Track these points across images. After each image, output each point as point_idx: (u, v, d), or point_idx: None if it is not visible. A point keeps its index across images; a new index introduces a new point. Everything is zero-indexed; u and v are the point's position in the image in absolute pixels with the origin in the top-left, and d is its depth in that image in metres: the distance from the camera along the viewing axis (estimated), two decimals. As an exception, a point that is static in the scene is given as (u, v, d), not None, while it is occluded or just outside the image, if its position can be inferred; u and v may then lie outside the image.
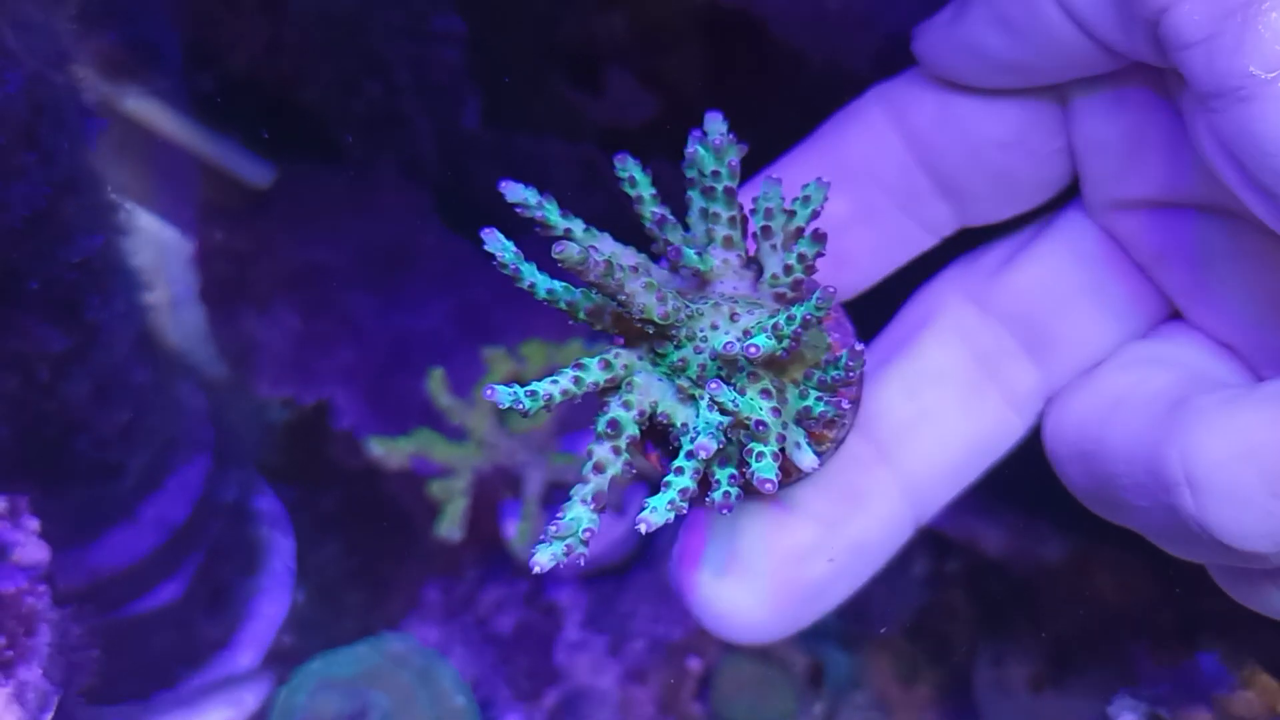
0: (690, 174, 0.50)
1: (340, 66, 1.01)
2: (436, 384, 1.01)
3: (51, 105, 0.70)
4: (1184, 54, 0.41)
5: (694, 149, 0.49)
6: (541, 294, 0.47)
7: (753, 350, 0.44)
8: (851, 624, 1.03)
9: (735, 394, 0.45)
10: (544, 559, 0.44)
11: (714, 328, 0.47)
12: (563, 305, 0.48)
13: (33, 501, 0.69)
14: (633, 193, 0.51)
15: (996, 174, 0.54)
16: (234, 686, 0.96)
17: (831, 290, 0.44)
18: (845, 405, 0.47)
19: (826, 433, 0.49)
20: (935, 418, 0.55)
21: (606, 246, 0.49)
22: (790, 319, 0.44)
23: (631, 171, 0.50)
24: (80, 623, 0.69)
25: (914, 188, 0.55)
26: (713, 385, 0.45)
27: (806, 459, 0.46)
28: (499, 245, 0.46)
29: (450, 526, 1.00)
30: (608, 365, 0.47)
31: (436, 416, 1.02)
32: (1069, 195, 0.56)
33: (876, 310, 0.59)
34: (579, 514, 0.45)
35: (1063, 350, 0.55)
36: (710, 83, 0.86)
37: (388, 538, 1.08)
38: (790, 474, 0.48)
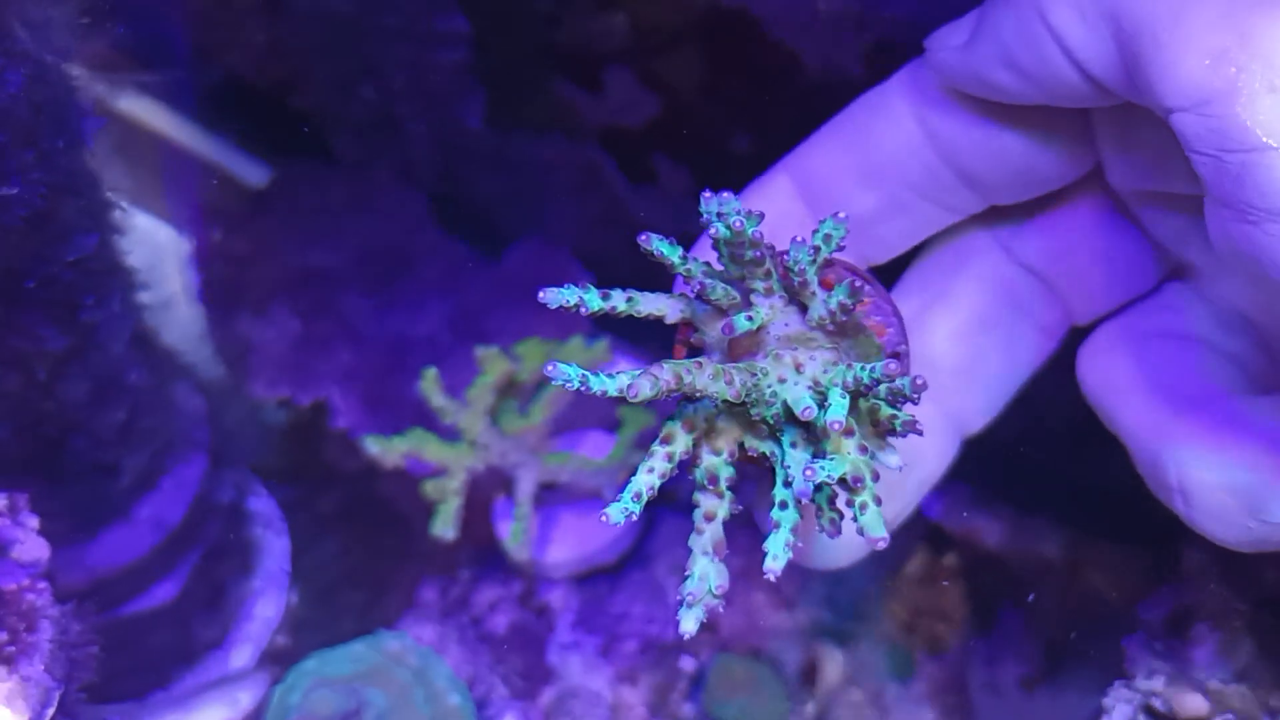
0: (713, 239, 0.50)
1: (339, 68, 1.01)
2: (430, 384, 1.01)
3: (50, 105, 0.70)
4: (1194, 155, 0.42)
5: (716, 231, 0.48)
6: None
7: (836, 425, 0.45)
8: (847, 621, 1.03)
9: (827, 466, 0.46)
10: (690, 626, 0.46)
11: (781, 381, 0.48)
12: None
13: (32, 499, 0.69)
14: (666, 262, 0.50)
15: (1020, 169, 0.55)
16: (229, 686, 0.96)
17: (894, 367, 0.45)
18: (903, 403, 0.48)
19: (891, 424, 0.49)
20: (980, 361, 0.59)
21: (648, 303, 0.50)
22: (857, 380, 0.46)
23: (658, 247, 0.50)
24: (80, 620, 0.69)
25: (939, 180, 0.56)
26: (803, 485, 0.46)
27: (892, 460, 0.48)
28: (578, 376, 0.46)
29: (444, 526, 1.00)
30: (691, 426, 0.49)
31: (431, 417, 1.02)
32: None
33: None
34: (705, 569, 0.46)
35: (1084, 288, 0.59)
36: (708, 83, 0.86)
37: (383, 537, 1.08)
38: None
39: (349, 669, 0.94)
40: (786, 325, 0.50)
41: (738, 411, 0.49)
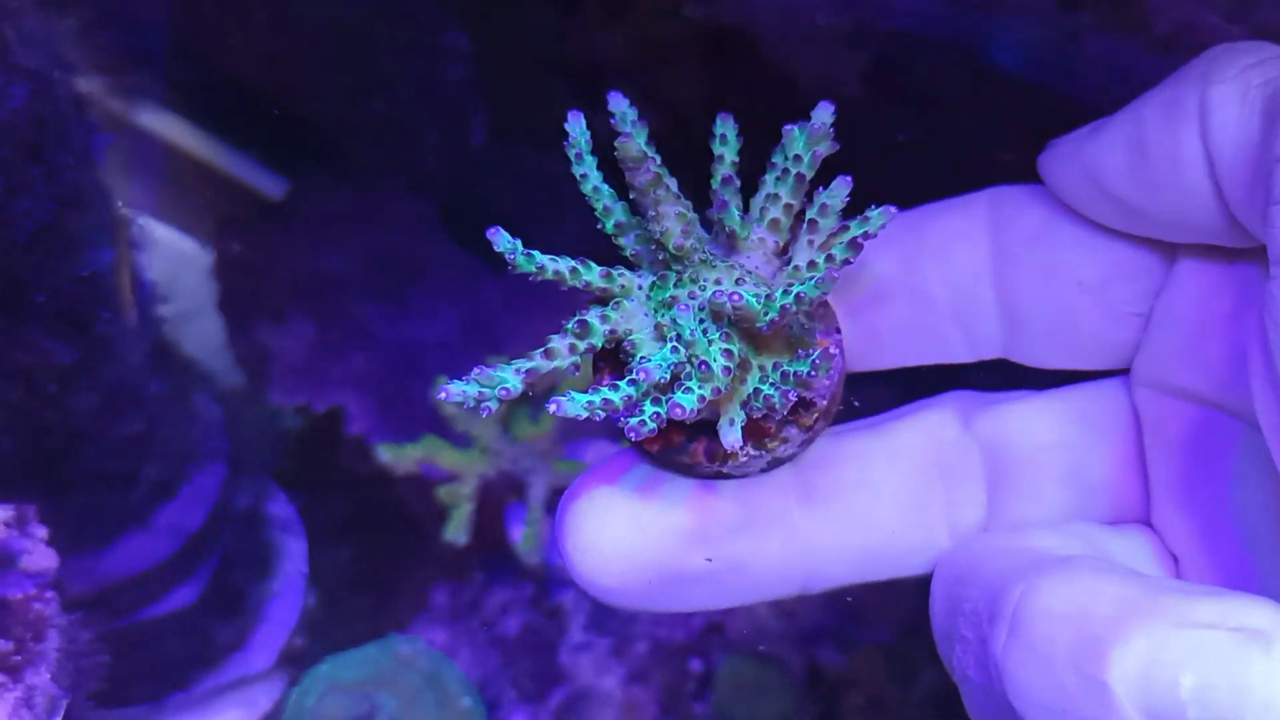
0: (775, 158, 0.49)
1: (349, 81, 1.02)
2: (443, 391, 1.02)
3: (55, 119, 0.71)
4: (1274, 210, 0.39)
5: (791, 129, 0.47)
6: (588, 188, 0.48)
7: (735, 299, 0.43)
8: (848, 625, 1.04)
9: (700, 331, 0.45)
10: (454, 391, 0.43)
11: (717, 282, 0.46)
12: (600, 206, 0.48)
13: (40, 510, 0.70)
14: (718, 150, 0.50)
15: (1063, 315, 0.50)
16: (247, 688, 0.98)
17: (833, 277, 0.43)
18: (794, 398, 0.45)
19: (766, 439, 0.47)
20: (871, 496, 0.51)
21: (672, 185, 0.48)
22: (786, 292, 0.44)
23: (725, 130, 0.50)
24: (89, 628, 0.70)
25: (976, 295, 0.51)
26: (681, 307, 0.44)
27: (730, 436, 0.45)
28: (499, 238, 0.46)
29: (457, 531, 1.02)
30: (608, 276, 0.47)
31: (444, 423, 1.03)
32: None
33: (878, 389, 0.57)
34: (506, 375, 0.44)
35: (1019, 501, 0.51)
36: (706, 98, 0.87)
37: (396, 542, 1.10)
38: (718, 457, 0.47)
39: (361, 673, 0.96)
40: (758, 266, 0.48)
41: (651, 301, 0.48)
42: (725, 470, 0.49)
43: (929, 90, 0.75)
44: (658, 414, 0.43)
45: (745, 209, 0.49)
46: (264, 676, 1.00)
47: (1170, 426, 0.48)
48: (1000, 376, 0.54)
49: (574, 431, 1.08)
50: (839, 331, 0.50)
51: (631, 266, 0.49)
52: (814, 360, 0.43)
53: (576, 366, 0.46)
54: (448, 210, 1.12)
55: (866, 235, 0.46)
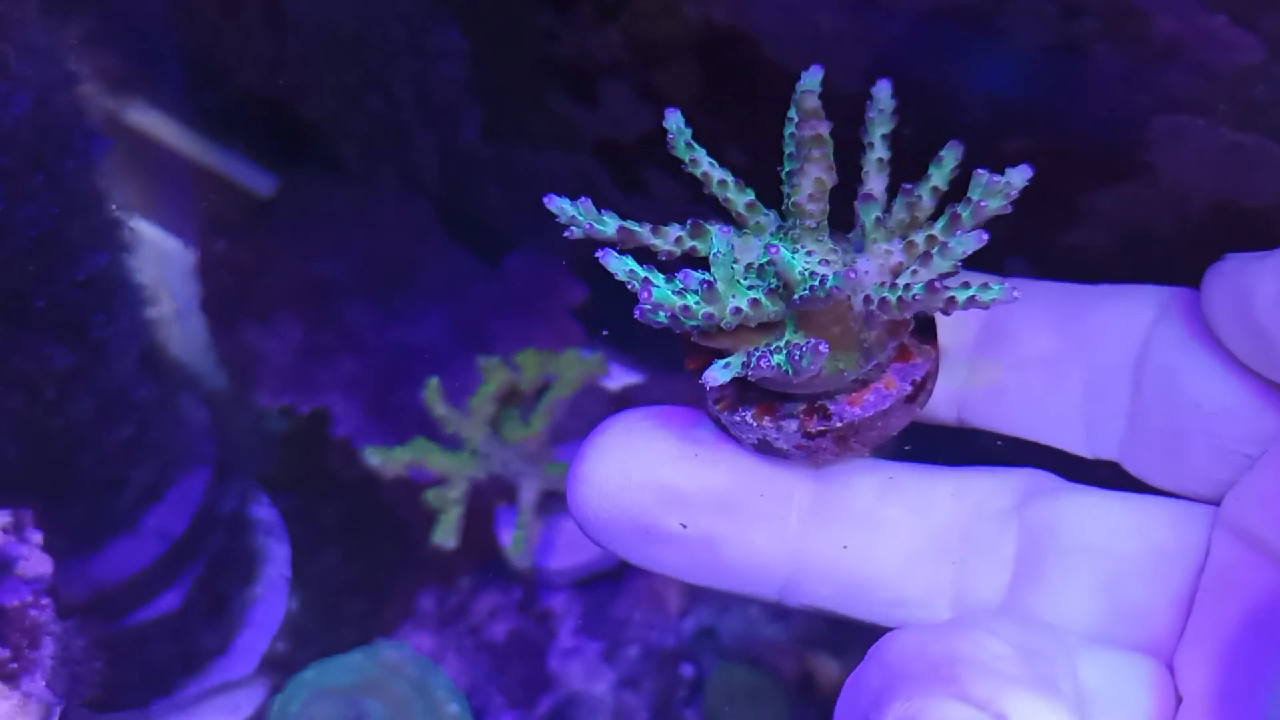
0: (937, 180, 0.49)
1: (342, 81, 1.01)
2: (432, 393, 1.02)
3: (57, 126, 0.71)
4: None
5: (981, 173, 0.46)
6: (714, 184, 0.49)
7: (773, 250, 0.43)
8: (842, 632, 1.04)
9: (728, 257, 0.45)
10: (556, 204, 0.46)
11: (809, 253, 0.47)
12: (729, 192, 0.49)
13: (36, 515, 0.70)
14: (931, 170, 0.49)
15: (1175, 435, 0.48)
16: (230, 694, 0.97)
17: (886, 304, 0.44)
18: (766, 368, 0.45)
19: (765, 414, 0.48)
20: (881, 534, 0.50)
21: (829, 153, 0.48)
22: (827, 279, 0.43)
23: (947, 154, 0.49)
24: (83, 635, 0.70)
25: (1112, 392, 0.50)
26: (721, 229, 0.47)
27: (714, 374, 0.46)
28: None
29: (445, 535, 1.01)
30: (754, 208, 0.49)
31: (433, 426, 1.03)
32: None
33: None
34: (607, 221, 0.47)
35: (1042, 593, 0.49)
36: (704, 98, 0.86)
37: (383, 546, 1.09)
38: (719, 402, 0.49)
39: (347, 679, 0.95)
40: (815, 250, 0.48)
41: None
42: (722, 420, 0.49)
43: (931, 90, 0.75)
44: (673, 314, 0.44)
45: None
46: (247, 682, 0.99)
47: (1236, 576, 0.46)
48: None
49: (566, 433, 1.08)
50: (914, 386, 0.48)
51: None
52: (804, 348, 0.43)
53: (670, 256, 0.48)
54: (440, 209, 1.11)
55: (972, 301, 0.44)
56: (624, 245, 0.47)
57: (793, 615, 1.05)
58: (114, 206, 0.79)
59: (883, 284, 0.46)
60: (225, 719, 0.97)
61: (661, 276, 0.45)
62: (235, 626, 1.01)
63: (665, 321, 0.45)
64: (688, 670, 1.04)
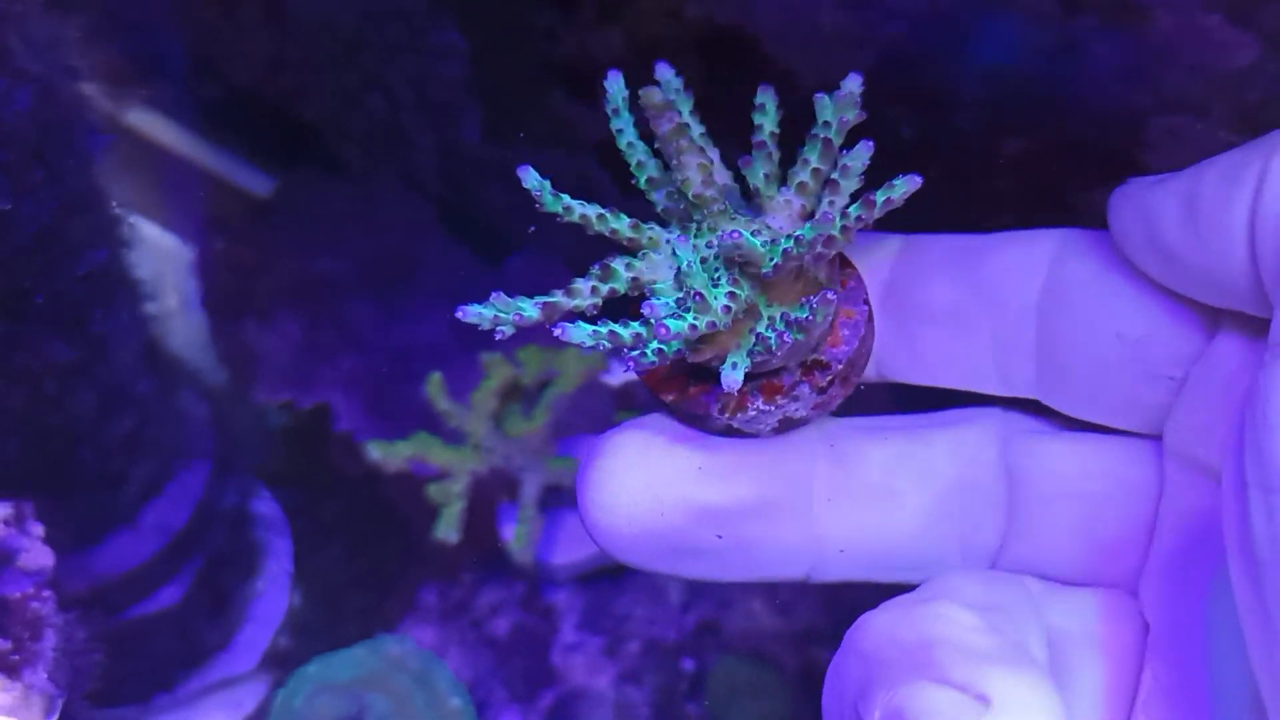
0: (760, 120, 0.50)
1: (342, 80, 1.02)
2: (435, 388, 1.02)
3: (59, 123, 0.71)
4: None
5: (821, 96, 0.47)
6: (623, 143, 0.49)
7: (735, 235, 0.43)
8: (843, 626, 1.04)
9: (698, 263, 0.46)
10: (471, 312, 0.44)
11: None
12: (635, 161, 0.49)
13: (37, 508, 0.70)
14: (757, 120, 0.50)
15: (1098, 366, 0.49)
16: (232, 689, 0.97)
17: (832, 220, 0.44)
18: (789, 341, 0.45)
19: (778, 395, 0.48)
20: (896, 505, 0.51)
21: (712, 154, 0.49)
22: (789, 236, 0.44)
23: (765, 100, 0.50)
24: (84, 627, 0.70)
25: (1019, 335, 0.51)
26: (680, 239, 0.46)
27: (730, 378, 0.45)
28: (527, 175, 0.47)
29: (447, 529, 1.01)
30: (636, 227, 0.48)
31: (435, 421, 1.03)
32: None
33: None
34: (525, 305, 0.45)
35: (1028, 541, 0.51)
36: (705, 99, 0.87)
37: (386, 541, 1.09)
38: (727, 409, 0.48)
39: (350, 673, 0.96)
40: (781, 226, 0.48)
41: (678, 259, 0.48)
42: (735, 425, 0.48)
43: (931, 89, 0.75)
44: (660, 349, 0.44)
45: (783, 180, 0.49)
46: (249, 677, 1.00)
47: (1184, 500, 0.48)
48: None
49: (567, 428, 1.08)
50: (866, 304, 0.50)
51: (663, 224, 0.49)
52: (812, 305, 0.43)
53: (596, 308, 0.46)
54: (441, 208, 1.12)
55: (889, 201, 0.45)
56: (549, 319, 0.45)
57: (795, 610, 1.05)
58: (114, 204, 0.80)
59: (814, 224, 0.46)
60: (227, 714, 0.97)
61: (613, 324, 0.44)
62: (237, 622, 1.01)
63: (654, 360, 0.44)
64: (689, 665, 1.05)
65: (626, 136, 0.49)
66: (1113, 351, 0.48)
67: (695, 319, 0.44)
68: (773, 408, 0.48)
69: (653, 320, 0.43)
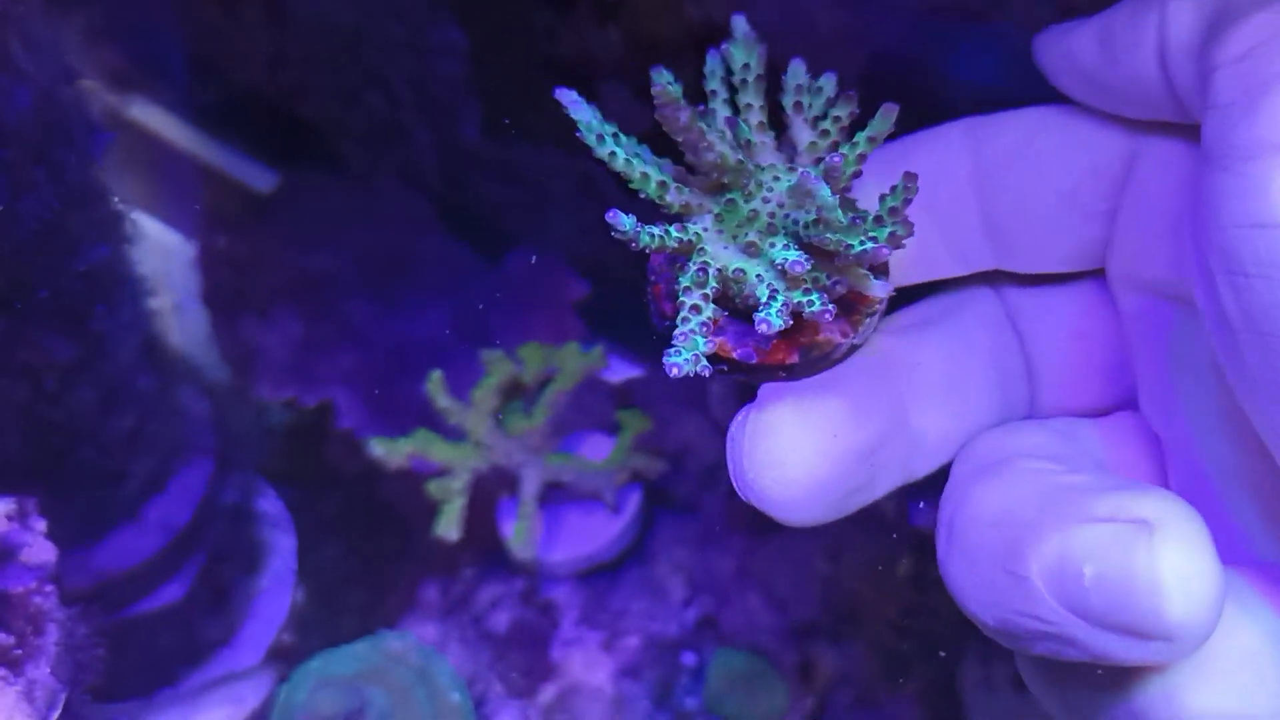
0: (712, 85, 0.52)
1: (342, 78, 1.02)
2: (435, 385, 1.02)
3: (60, 120, 0.71)
4: (1209, 110, 0.43)
5: (723, 47, 0.51)
6: (619, 165, 0.49)
7: (837, 159, 0.44)
8: (841, 621, 1.04)
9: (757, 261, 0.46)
10: (679, 361, 0.44)
11: (776, 179, 0.48)
12: (638, 174, 0.49)
13: (39, 504, 0.70)
14: (710, 87, 0.53)
15: (1043, 225, 0.54)
16: (235, 684, 0.97)
17: (893, 108, 0.48)
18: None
19: (853, 324, 0.49)
20: (961, 390, 0.55)
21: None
22: (854, 144, 0.47)
23: (712, 66, 0.53)
24: (86, 623, 0.70)
25: (962, 221, 0.55)
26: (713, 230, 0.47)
27: (876, 287, 0.47)
28: (578, 107, 0.49)
29: (448, 526, 1.01)
30: (684, 230, 0.48)
31: (436, 418, 1.03)
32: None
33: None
34: (695, 338, 0.45)
35: (1046, 384, 0.57)
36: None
37: (386, 538, 1.09)
38: (815, 348, 0.49)
39: (352, 668, 0.96)
40: (774, 161, 0.50)
41: (725, 234, 0.49)
42: (835, 352, 0.50)
43: (928, 88, 0.75)
44: (784, 307, 0.45)
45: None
46: (252, 673, 1.00)
47: (1142, 320, 0.53)
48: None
49: (568, 425, 1.08)
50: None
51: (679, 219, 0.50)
52: (889, 231, 0.45)
53: (721, 311, 0.48)
54: (440, 206, 1.12)
55: (873, 139, 0.49)
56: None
57: (793, 605, 1.05)
58: (116, 200, 0.80)
59: (814, 144, 0.50)
60: (230, 709, 0.97)
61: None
62: (240, 618, 1.01)
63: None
64: (689, 659, 1.05)
65: (621, 155, 0.49)
66: (1049, 208, 0.54)
67: (786, 298, 0.45)
68: (850, 337, 0.49)
69: (795, 270, 0.44)
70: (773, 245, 0.47)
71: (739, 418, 0.52)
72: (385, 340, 1.13)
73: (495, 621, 1.08)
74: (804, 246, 0.47)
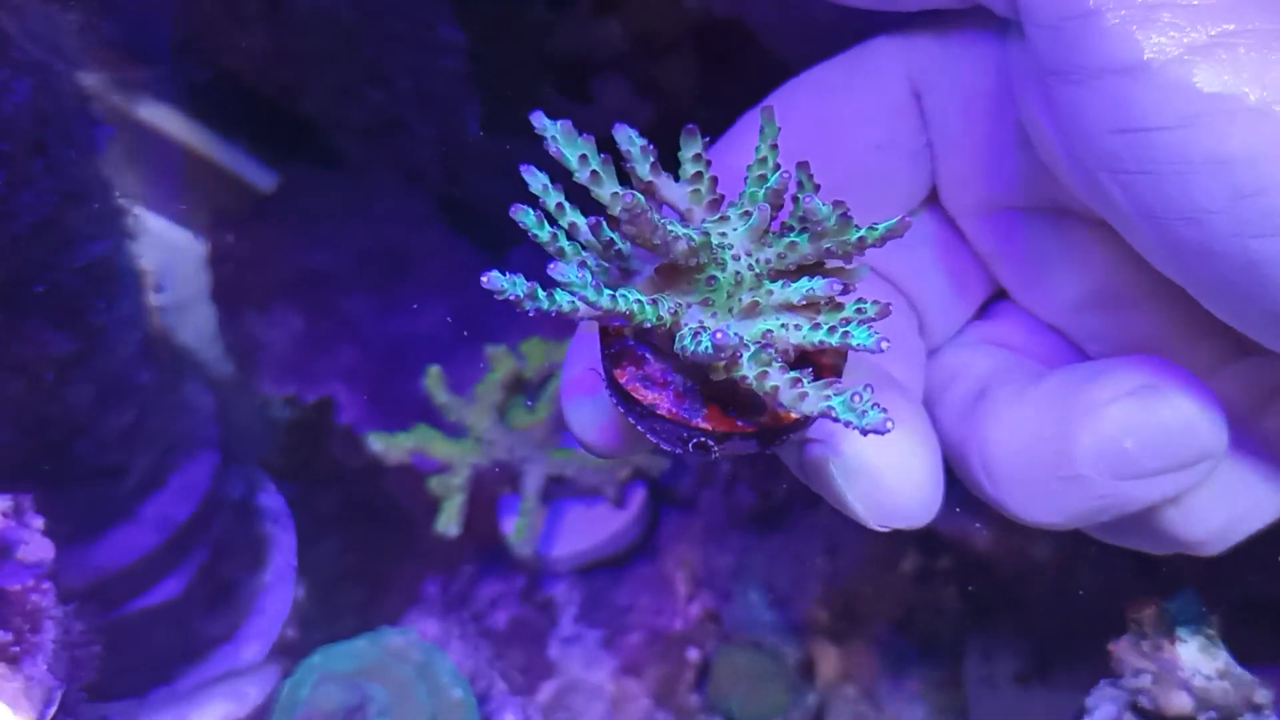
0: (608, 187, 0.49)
1: (341, 74, 1.02)
2: (434, 381, 1.02)
3: (58, 113, 0.71)
4: (1036, 30, 0.46)
5: (553, 150, 0.50)
6: (565, 304, 0.46)
7: (810, 199, 0.44)
8: (842, 618, 1.04)
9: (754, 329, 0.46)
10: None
11: (723, 235, 0.47)
12: (638, 314, 0.45)
13: (36, 501, 0.70)
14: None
15: (875, 177, 0.57)
16: (237, 681, 0.97)
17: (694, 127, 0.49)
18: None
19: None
20: (946, 296, 0.60)
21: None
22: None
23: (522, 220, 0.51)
24: (83, 620, 0.70)
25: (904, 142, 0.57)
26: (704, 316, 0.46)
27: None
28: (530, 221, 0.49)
29: (448, 522, 1.01)
30: (657, 303, 0.46)
31: (436, 413, 1.03)
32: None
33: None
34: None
35: (935, 308, 0.60)
36: (702, 90, 0.87)
37: (387, 534, 1.09)
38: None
39: (353, 664, 0.96)
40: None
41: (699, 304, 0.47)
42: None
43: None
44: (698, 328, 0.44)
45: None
46: (255, 669, 1.00)
47: (989, 235, 0.58)
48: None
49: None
50: None
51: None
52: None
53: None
54: (442, 202, 1.12)
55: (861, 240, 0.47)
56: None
57: (794, 601, 1.05)
58: (118, 195, 0.80)
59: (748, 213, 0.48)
60: (233, 705, 0.97)
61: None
62: (242, 614, 1.01)
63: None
64: (693, 654, 1.05)
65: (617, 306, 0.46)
66: (871, 159, 0.57)
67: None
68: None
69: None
70: (771, 294, 0.46)
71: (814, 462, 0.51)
72: (386, 336, 1.13)
73: (495, 619, 1.08)
74: (783, 275, 0.47)
